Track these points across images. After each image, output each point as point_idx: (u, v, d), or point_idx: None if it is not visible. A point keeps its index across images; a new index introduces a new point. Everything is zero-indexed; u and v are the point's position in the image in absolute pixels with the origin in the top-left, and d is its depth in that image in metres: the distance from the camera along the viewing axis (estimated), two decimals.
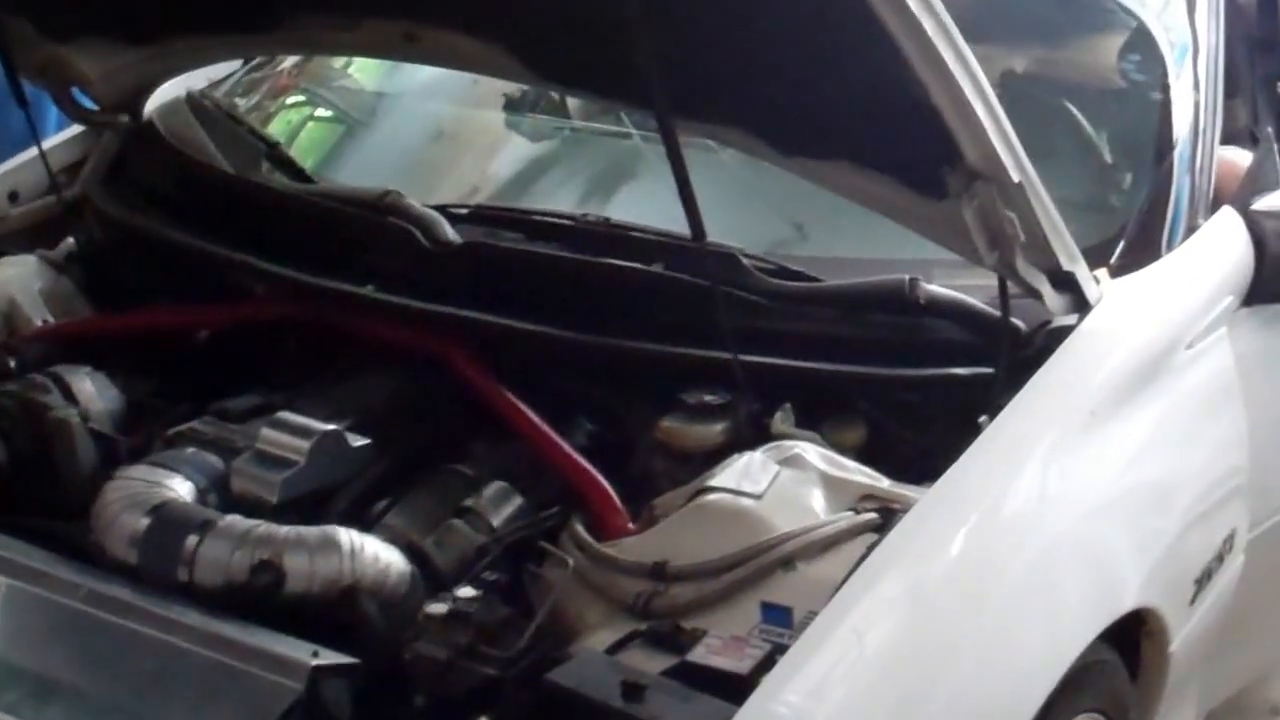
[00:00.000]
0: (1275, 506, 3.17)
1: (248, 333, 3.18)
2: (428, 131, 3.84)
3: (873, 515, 2.53)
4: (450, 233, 3.12)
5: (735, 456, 2.66)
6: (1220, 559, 2.96)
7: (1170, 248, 3.06)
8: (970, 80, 2.42)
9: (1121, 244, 3.04)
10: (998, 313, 2.75)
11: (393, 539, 2.58)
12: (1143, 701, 2.89)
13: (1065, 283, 2.75)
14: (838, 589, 2.34)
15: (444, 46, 3.04)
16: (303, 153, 3.62)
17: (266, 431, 2.70)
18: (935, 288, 2.85)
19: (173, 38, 3.32)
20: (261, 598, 2.44)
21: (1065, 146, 3.33)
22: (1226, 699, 3.52)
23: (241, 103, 3.69)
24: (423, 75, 3.76)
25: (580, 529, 2.64)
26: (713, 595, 2.46)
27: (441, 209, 3.20)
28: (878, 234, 2.98)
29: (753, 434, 2.76)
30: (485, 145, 3.78)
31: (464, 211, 3.26)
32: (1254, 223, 3.11)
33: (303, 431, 2.70)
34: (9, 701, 2.40)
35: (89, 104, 3.52)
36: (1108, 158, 3.35)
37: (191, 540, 2.48)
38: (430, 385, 2.97)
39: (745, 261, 2.93)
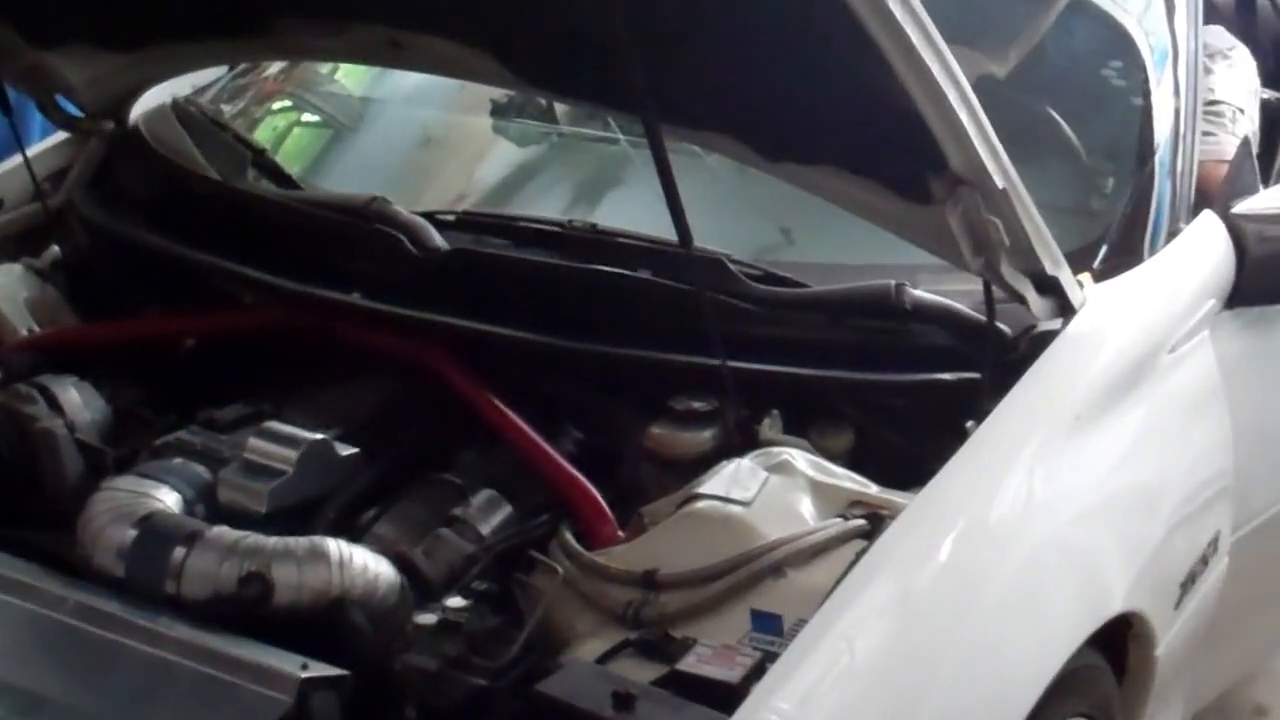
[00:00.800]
0: (1258, 508, 3.18)
1: (234, 341, 3.17)
2: (414, 137, 3.83)
3: (861, 522, 2.53)
4: (437, 239, 3.12)
5: (724, 463, 2.66)
6: (1205, 561, 2.96)
7: (1152, 252, 3.07)
8: (954, 87, 2.43)
9: (1104, 248, 3.05)
10: (983, 318, 2.76)
11: (381, 549, 2.58)
12: (1129, 705, 2.90)
13: (1049, 287, 2.75)
14: (827, 596, 2.34)
15: (430, 52, 3.04)
16: (289, 159, 3.61)
17: (254, 441, 2.70)
18: (921, 293, 2.85)
19: (157, 44, 3.31)
20: (250, 609, 2.44)
21: (1046, 151, 3.33)
22: (1212, 701, 3.53)
23: (227, 109, 3.68)
24: (409, 81, 3.75)
25: (569, 537, 2.63)
26: (702, 603, 2.46)
27: (428, 215, 3.20)
28: (862, 239, 2.98)
29: (741, 440, 2.76)
30: (472, 151, 3.77)
31: (451, 218, 3.25)
32: (1234, 226, 3.11)
33: (290, 441, 2.70)
34: None
35: (74, 110, 3.50)
36: (1089, 162, 3.36)
37: (179, 552, 2.47)
38: (418, 393, 2.96)
39: (732, 267, 2.93)
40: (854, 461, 2.75)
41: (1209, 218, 3.13)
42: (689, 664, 2.34)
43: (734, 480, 2.61)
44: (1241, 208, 3.14)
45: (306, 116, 3.90)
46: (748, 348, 2.82)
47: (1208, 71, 3.46)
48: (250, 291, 3.22)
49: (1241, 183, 3.23)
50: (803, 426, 2.81)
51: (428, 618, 2.46)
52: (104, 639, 2.41)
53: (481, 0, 2.88)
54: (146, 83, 3.48)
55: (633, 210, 3.27)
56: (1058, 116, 3.39)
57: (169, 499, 2.61)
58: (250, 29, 3.19)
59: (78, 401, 2.91)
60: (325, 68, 3.89)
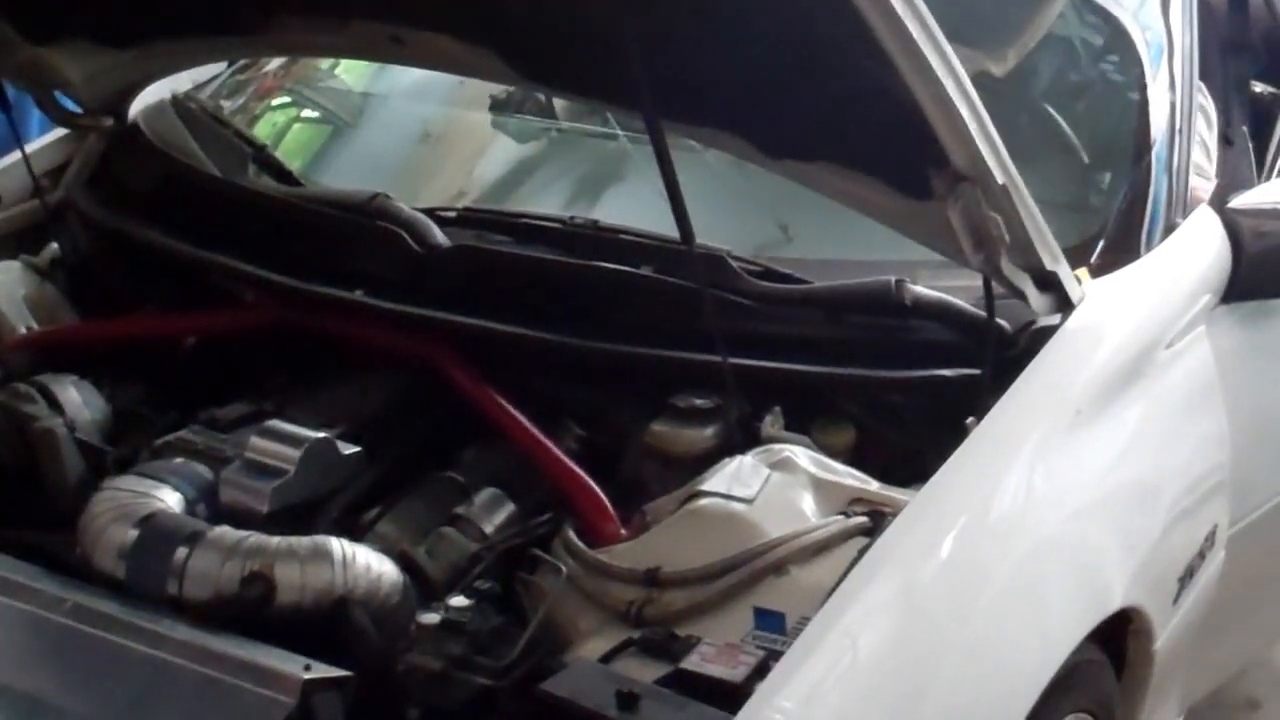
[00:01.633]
0: (1255, 502, 3.19)
1: (235, 339, 3.17)
2: (414, 133, 3.83)
3: (863, 519, 2.54)
4: (439, 236, 3.12)
5: (726, 460, 2.67)
6: (1202, 556, 2.97)
7: (1149, 247, 3.07)
8: (955, 83, 2.43)
9: (1101, 244, 3.06)
10: (983, 313, 2.76)
11: (385, 548, 2.58)
12: (1128, 700, 2.91)
13: (1049, 283, 2.76)
14: (830, 594, 2.34)
15: (430, 49, 3.03)
16: (289, 155, 3.61)
17: (256, 440, 2.69)
18: (921, 289, 2.86)
19: (157, 40, 3.30)
20: (252, 610, 2.43)
21: (1044, 147, 3.34)
22: (1207, 694, 3.54)
23: (227, 105, 3.68)
24: (409, 77, 3.76)
25: (572, 535, 2.64)
26: (705, 601, 2.46)
27: (429, 212, 3.20)
28: (860, 235, 2.99)
29: (743, 438, 2.77)
30: (471, 147, 3.77)
31: (452, 214, 3.25)
32: (1230, 221, 3.12)
33: (292, 440, 2.69)
34: None
35: (72, 107, 3.50)
36: (1086, 158, 3.37)
37: (181, 552, 2.47)
38: (420, 390, 2.97)
39: (733, 264, 2.93)
40: (855, 458, 2.75)
41: (1205, 213, 3.14)
42: (692, 663, 2.34)
43: (736, 478, 2.62)
44: (1237, 202, 3.15)
45: (306, 112, 3.90)
46: (749, 344, 2.83)
47: None
48: (251, 289, 3.21)
49: (1238, 177, 3.24)
50: (804, 423, 2.81)
51: (431, 617, 2.46)
52: (105, 640, 2.40)
53: None
54: (146, 79, 3.47)
55: (631, 206, 3.27)
56: (1054, 113, 3.40)
57: (170, 499, 2.60)
58: (250, 25, 3.19)
59: (78, 400, 2.91)
60: (325, 63, 3.89)
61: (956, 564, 2.48)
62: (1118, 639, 2.80)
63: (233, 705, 2.31)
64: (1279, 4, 4.13)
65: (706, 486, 2.61)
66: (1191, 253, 3.09)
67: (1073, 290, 2.79)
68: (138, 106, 3.51)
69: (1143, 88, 3.28)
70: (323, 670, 2.31)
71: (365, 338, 3.06)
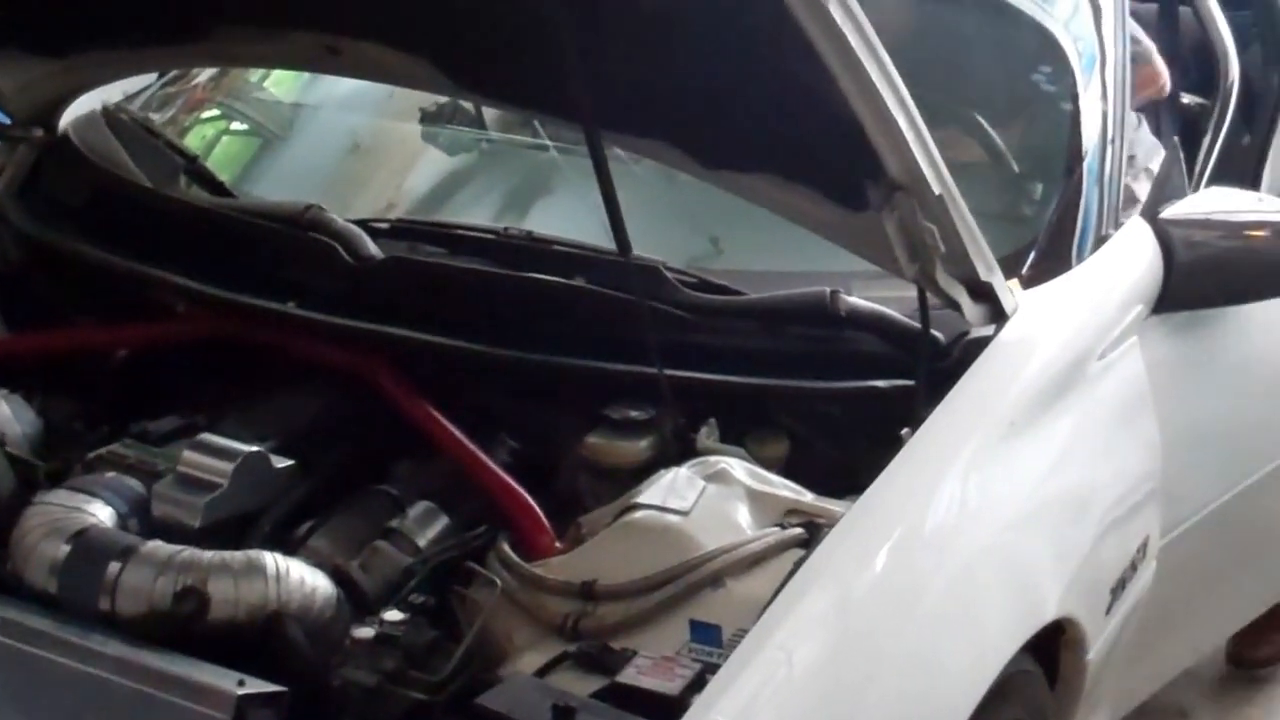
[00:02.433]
0: (1185, 513, 3.20)
1: (168, 352, 3.15)
2: (344, 145, 3.82)
3: (799, 531, 2.54)
4: (372, 248, 3.11)
5: (661, 473, 2.67)
6: (1134, 567, 2.99)
7: (1081, 258, 3.08)
8: (893, 93, 2.44)
9: (1033, 254, 3.07)
10: (917, 324, 2.77)
11: (318, 562, 2.56)
12: (1061, 710, 2.91)
13: (983, 294, 2.77)
14: (766, 607, 2.34)
15: (367, 59, 3.03)
16: (219, 167, 3.58)
17: (188, 454, 2.67)
18: (855, 300, 2.87)
19: (89, 50, 3.28)
20: (186, 625, 2.41)
21: (976, 157, 3.35)
22: (1138, 704, 3.56)
23: (157, 117, 3.64)
24: (339, 88, 3.76)
25: (507, 549, 2.63)
26: (641, 614, 2.46)
27: (363, 224, 3.19)
28: (792, 247, 3.00)
29: (678, 449, 2.77)
30: (401, 159, 3.77)
31: (385, 226, 3.25)
32: (1162, 231, 3.13)
33: (225, 453, 2.67)
34: None
35: (2, 117, 3.46)
36: (1019, 168, 3.38)
37: (113, 567, 2.43)
38: (354, 403, 2.95)
39: (668, 275, 2.93)
40: (790, 469, 2.75)
41: (1137, 223, 3.15)
42: (629, 676, 2.33)
43: (671, 489, 2.61)
44: (1169, 213, 3.16)
45: (235, 125, 3.88)
46: (684, 356, 2.83)
47: None
48: (183, 301, 3.19)
49: (1170, 187, 3.25)
50: (739, 435, 2.82)
51: (365, 632, 2.45)
52: (37, 657, 2.37)
53: (420, 6, 2.86)
54: (78, 90, 3.45)
55: (563, 218, 3.28)
56: (986, 124, 3.41)
57: (103, 514, 2.57)
58: (184, 35, 3.17)
59: (8, 414, 2.87)
60: (254, 75, 3.88)
61: (891, 577, 2.48)
62: (1051, 649, 2.80)
63: None
64: (1207, 16, 4.16)
65: (642, 499, 2.61)
66: (1123, 263, 3.10)
67: (1006, 301, 2.80)
68: (68, 117, 3.48)
69: (1075, 98, 3.30)
70: (257, 685, 2.29)
71: (298, 350, 3.04)
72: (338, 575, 2.56)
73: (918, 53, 3.16)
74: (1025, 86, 3.50)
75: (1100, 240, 3.12)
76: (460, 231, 3.22)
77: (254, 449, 2.70)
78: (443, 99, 3.65)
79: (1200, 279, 3.13)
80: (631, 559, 2.52)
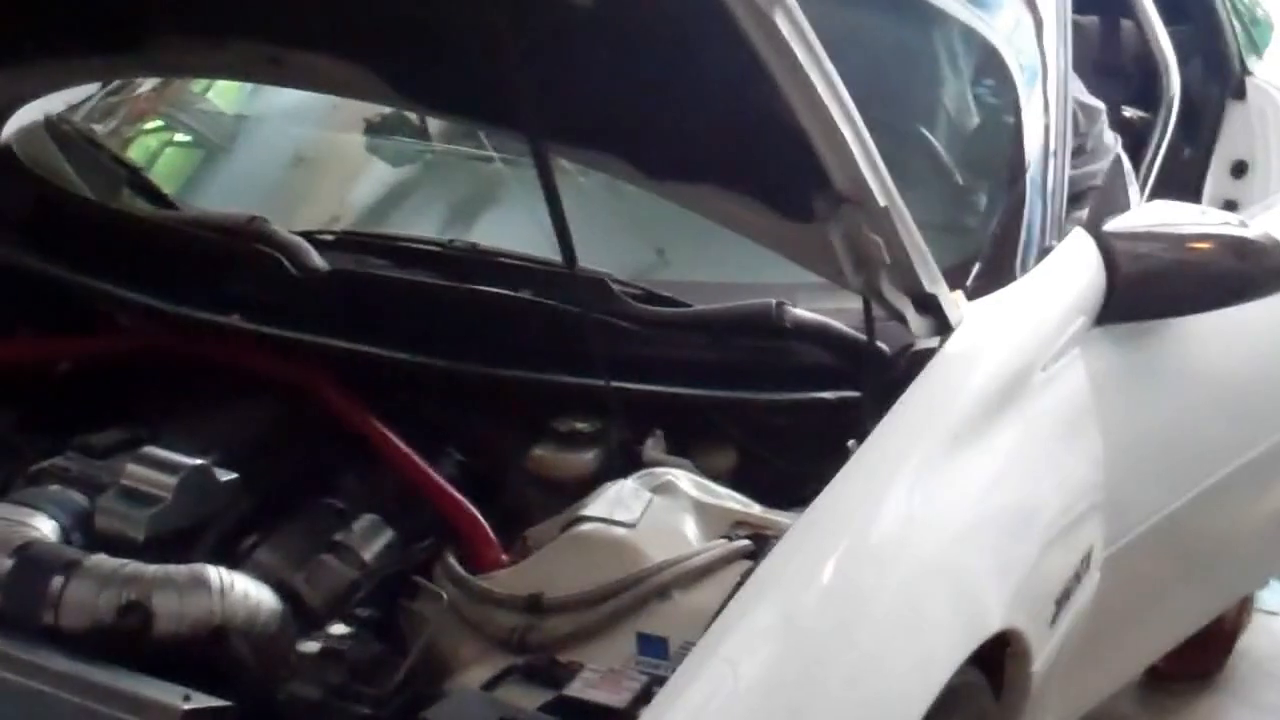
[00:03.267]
0: (1129, 525, 3.21)
1: (111, 364, 3.13)
2: (287, 157, 3.81)
3: (746, 542, 2.53)
4: (317, 259, 3.10)
5: (607, 485, 2.66)
6: (1078, 578, 2.99)
7: (1024, 270, 3.09)
8: (838, 105, 2.44)
9: (977, 266, 3.07)
10: (862, 336, 2.77)
11: (263, 576, 2.55)
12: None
13: (927, 305, 2.77)
14: (713, 619, 2.34)
15: (311, 69, 3.02)
16: (161, 179, 3.57)
17: (132, 467, 2.65)
18: (801, 312, 2.87)
19: (30, 60, 3.25)
20: (130, 639, 2.39)
21: (919, 170, 3.36)
22: (1084, 713, 3.57)
23: (99, 128, 3.62)
24: (282, 100, 3.74)
25: (453, 562, 2.62)
26: (589, 627, 2.45)
27: (308, 235, 3.18)
28: (737, 259, 3.00)
29: (624, 461, 2.77)
30: (345, 171, 3.76)
31: (330, 238, 3.24)
32: (1105, 244, 3.14)
33: (169, 467, 2.65)
34: None
35: None
36: (962, 180, 3.39)
37: (57, 581, 2.41)
38: (299, 416, 2.94)
39: (615, 287, 2.93)
40: (737, 481, 2.75)
41: (1079, 235, 3.16)
42: (576, 689, 2.33)
43: (618, 502, 2.61)
44: (1112, 225, 3.17)
45: (178, 136, 3.86)
46: (630, 368, 2.83)
47: None
48: (127, 314, 3.17)
49: (1114, 201, 3.27)
50: (685, 447, 2.82)
51: (311, 646, 2.44)
52: None
53: (364, 15, 2.86)
54: (19, 100, 3.42)
55: (507, 230, 3.28)
56: (930, 135, 3.42)
57: (45, 527, 2.54)
58: (126, 45, 3.15)
59: None
60: (197, 86, 3.86)
61: (837, 589, 2.48)
62: (996, 660, 2.80)
63: None
64: (1149, 29, 4.19)
65: (588, 511, 2.61)
66: (1066, 275, 3.11)
67: (951, 313, 2.80)
68: (10, 128, 3.45)
69: (1017, 111, 3.31)
70: (202, 700, 2.27)
71: (243, 362, 3.02)
72: (283, 589, 2.54)
73: (859, 65, 3.18)
74: (968, 99, 3.51)
75: (1044, 252, 3.13)
76: (406, 244, 3.21)
77: (198, 462, 2.68)
78: (387, 110, 3.64)
79: (1143, 291, 3.14)
80: (578, 572, 2.52)
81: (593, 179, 3.16)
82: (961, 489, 2.71)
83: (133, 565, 2.45)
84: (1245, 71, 4.39)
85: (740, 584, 2.41)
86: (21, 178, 3.38)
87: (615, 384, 2.77)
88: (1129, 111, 4.21)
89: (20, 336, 3.23)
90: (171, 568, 2.46)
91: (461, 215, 3.57)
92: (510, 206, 3.44)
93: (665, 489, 2.65)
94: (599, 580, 2.49)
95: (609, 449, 2.81)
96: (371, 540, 2.67)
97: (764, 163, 2.66)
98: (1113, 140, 3.62)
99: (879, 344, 2.78)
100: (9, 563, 2.46)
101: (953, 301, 2.81)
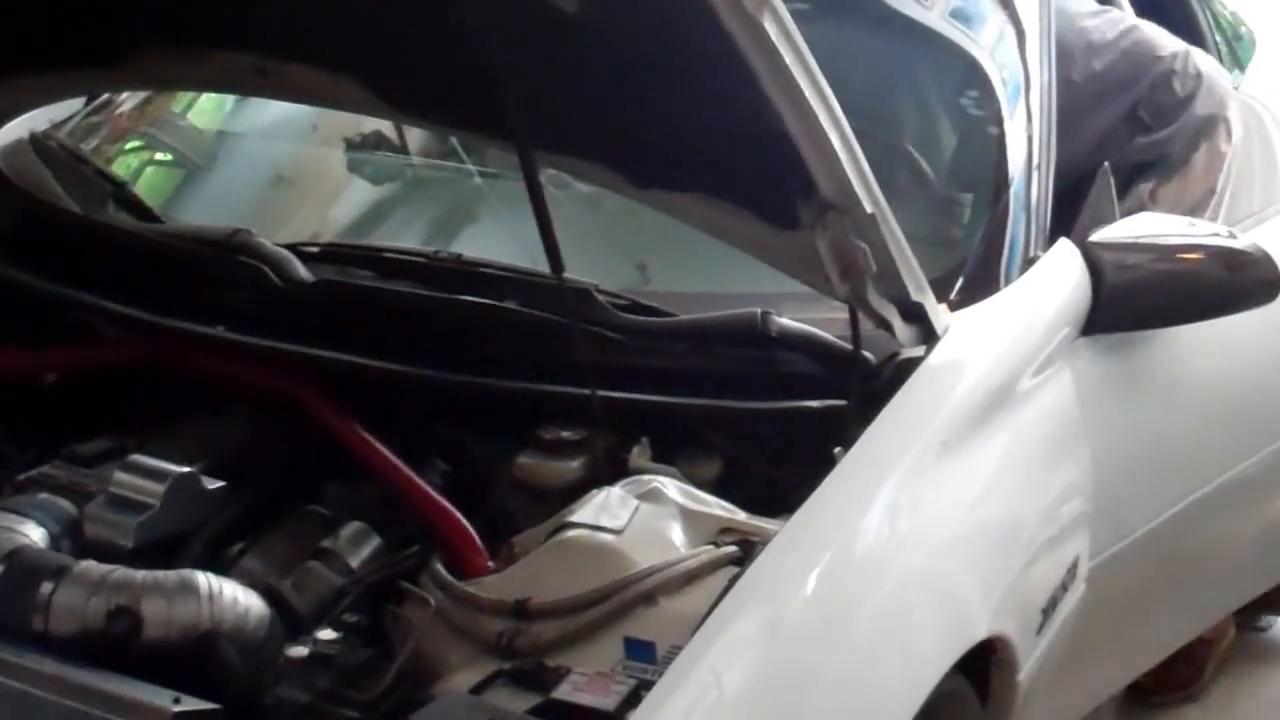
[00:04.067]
0: (1115, 535, 3.21)
1: (97, 376, 3.13)
2: (268, 176, 3.82)
3: (733, 548, 2.53)
4: (302, 271, 3.10)
5: (594, 492, 2.66)
6: (1065, 588, 2.99)
7: (1008, 281, 3.10)
8: (826, 111, 2.44)
9: (962, 277, 3.08)
10: (847, 345, 2.78)
11: (250, 582, 2.54)
12: None
13: (913, 314, 2.78)
14: (701, 624, 2.33)
15: (296, 80, 3.02)
16: (143, 198, 3.56)
17: (120, 475, 2.65)
18: (786, 321, 2.87)
19: (13, 75, 3.26)
20: (119, 644, 2.39)
21: (903, 182, 3.37)
22: None
23: (81, 146, 3.62)
24: (262, 119, 3.75)
25: (440, 568, 2.61)
26: (576, 632, 2.45)
27: (292, 247, 3.18)
28: (722, 272, 3.01)
29: (610, 469, 2.77)
30: (326, 189, 3.77)
31: (315, 250, 3.24)
32: (1091, 255, 3.14)
33: (157, 474, 2.66)
34: None
35: None
36: (946, 192, 3.40)
37: (46, 587, 2.41)
38: (285, 426, 2.94)
39: (599, 297, 2.94)
40: (722, 489, 2.75)
41: (1065, 246, 3.17)
42: (564, 692, 2.32)
43: (604, 508, 2.61)
44: (1098, 236, 3.17)
45: (159, 155, 3.87)
46: (615, 377, 2.83)
47: None
48: (112, 325, 3.17)
49: (1099, 212, 3.28)
50: (671, 455, 2.82)
51: (299, 650, 2.44)
52: None
53: (349, 26, 2.86)
54: (3, 116, 3.43)
55: (489, 244, 3.30)
56: (913, 150, 3.43)
57: (35, 534, 2.55)
58: (112, 59, 3.15)
59: None
60: (178, 105, 3.86)
61: (822, 597, 2.48)
62: (982, 668, 2.81)
63: None
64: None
65: (575, 518, 2.60)
66: (1051, 285, 3.11)
67: (937, 322, 2.81)
68: None
69: (1000, 122, 3.32)
70: (192, 703, 2.27)
71: (228, 373, 3.03)
72: (270, 595, 2.54)
73: (842, 79, 3.20)
74: (952, 112, 3.52)
75: (1028, 263, 3.14)
76: (390, 255, 3.21)
77: (186, 470, 2.69)
78: (366, 130, 3.65)
79: (1130, 301, 3.14)
80: (565, 577, 2.51)
81: (574, 195, 3.17)
82: (947, 496, 2.71)
83: (121, 571, 2.46)
84: None
85: (727, 589, 2.40)
86: (7, 193, 3.39)
87: (601, 393, 2.77)
88: None
89: (7, 349, 3.23)
90: (160, 573, 2.46)
91: (442, 231, 3.59)
92: (491, 221, 3.46)
93: (652, 496, 2.65)
94: (586, 586, 2.48)
95: (595, 457, 2.81)
96: (358, 547, 2.67)
97: (750, 170, 2.67)
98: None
99: (864, 353, 2.78)
100: None
101: (938, 310, 2.82)
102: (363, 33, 2.87)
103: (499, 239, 3.26)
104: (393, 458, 2.83)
